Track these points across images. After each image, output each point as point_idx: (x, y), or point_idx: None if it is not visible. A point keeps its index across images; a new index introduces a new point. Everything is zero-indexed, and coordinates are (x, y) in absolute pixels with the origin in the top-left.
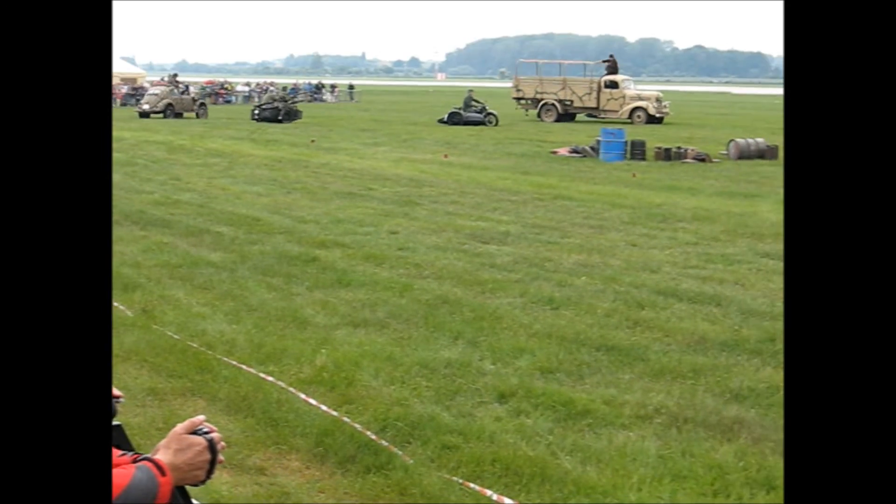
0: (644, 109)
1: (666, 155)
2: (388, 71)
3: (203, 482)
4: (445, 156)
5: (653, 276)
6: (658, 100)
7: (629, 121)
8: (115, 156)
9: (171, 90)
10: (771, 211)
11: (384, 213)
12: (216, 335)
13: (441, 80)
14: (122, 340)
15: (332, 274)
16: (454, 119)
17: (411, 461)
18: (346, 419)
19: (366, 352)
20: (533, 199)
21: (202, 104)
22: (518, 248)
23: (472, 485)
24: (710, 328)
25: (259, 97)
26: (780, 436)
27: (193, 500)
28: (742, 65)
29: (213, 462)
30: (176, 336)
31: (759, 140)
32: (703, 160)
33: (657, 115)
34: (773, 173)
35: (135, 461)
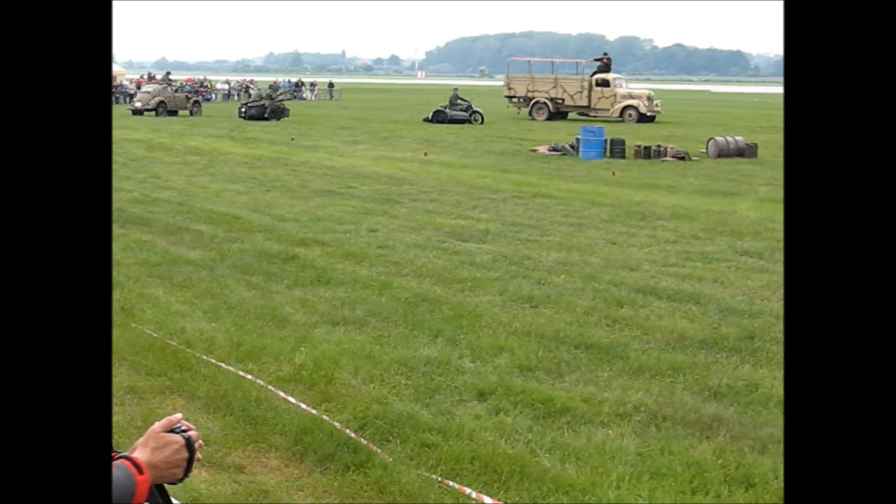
0: (635, 108)
1: (645, 153)
2: (368, 69)
3: (181, 480)
4: (425, 154)
5: (632, 274)
6: (649, 98)
7: (620, 119)
8: None
9: (164, 88)
10: (750, 209)
11: (364, 211)
12: (195, 333)
13: (421, 78)
14: None
15: (311, 272)
16: (439, 117)
17: (390, 459)
18: (325, 417)
19: (345, 350)
20: (512, 198)
21: (196, 102)
22: (497, 246)
23: (451, 483)
24: (689, 326)
25: (239, 95)
26: (758, 433)
27: (172, 499)
28: (721, 63)
29: (190, 460)
30: (155, 334)
31: (739, 138)
32: (682, 158)
33: (648, 114)
34: (753, 171)
35: (112, 459)
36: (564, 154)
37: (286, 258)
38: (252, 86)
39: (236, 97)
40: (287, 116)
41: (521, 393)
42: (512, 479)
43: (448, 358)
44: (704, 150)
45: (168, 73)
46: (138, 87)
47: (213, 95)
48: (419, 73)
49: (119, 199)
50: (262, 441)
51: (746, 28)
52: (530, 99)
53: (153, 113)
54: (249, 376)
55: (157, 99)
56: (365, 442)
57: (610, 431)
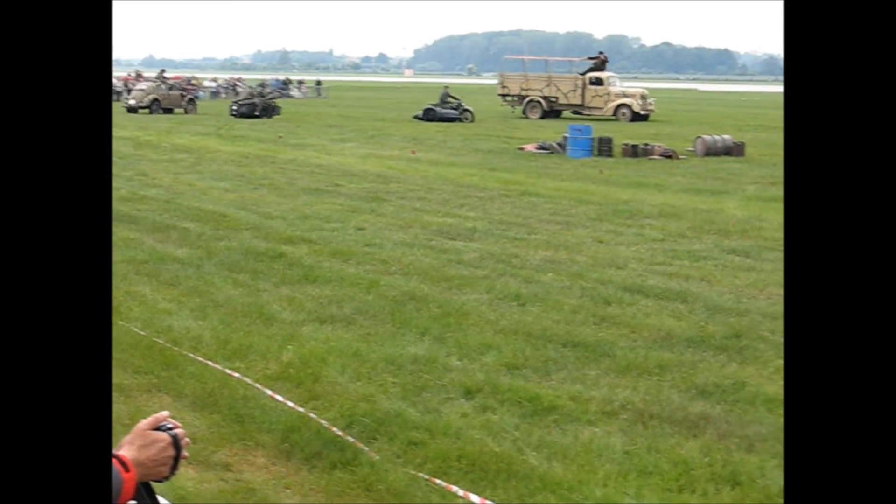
0: (629, 106)
1: (633, 151)
2: (355, 67)
3: (167, 478)
4: (413, 152)
5: (619, 273)
6: (643, 97)
7: (614, 118)
8: None
9: (158, 85)
10: (737, 207)
11: (351, 209)
12: (182, 331)
13: (409, 77)
14: None
15: (298, 270)
16: (429, 115)
17: (377, 457)
18: (312, 415)
19: (332, 348)
20: (500, 196)
21: (191, 99)
22: (485, 244)
23: (438, 481)
24: (676, 324)
25: (227, 93)
26: (745, 431)
27: (159, 497)
28: (709, 62)
29: (177, 458)
30: (142, 332)
31: (726, 137)
32: (669, 157)
33: (642, 112)
34: (740, 170)
35: None
36: (552, 152)
37: (273, 256)
38: (240, 84)
39: (224, 95)
40: (278, 114)
41: (508, 391)
42: (499, 477)
43: (435, 356)
44: (692, 149)
45: (162, 71)
46: (125, 85)
47: (201, 93)
48: (407, 71)
49: None
50: (248, 439)
51: (734, 27)
52: (524, 97)
53: (147, 111)
54: (236, 374)
55: (151, 97)
56: (352, 440)
57: (597, 430)
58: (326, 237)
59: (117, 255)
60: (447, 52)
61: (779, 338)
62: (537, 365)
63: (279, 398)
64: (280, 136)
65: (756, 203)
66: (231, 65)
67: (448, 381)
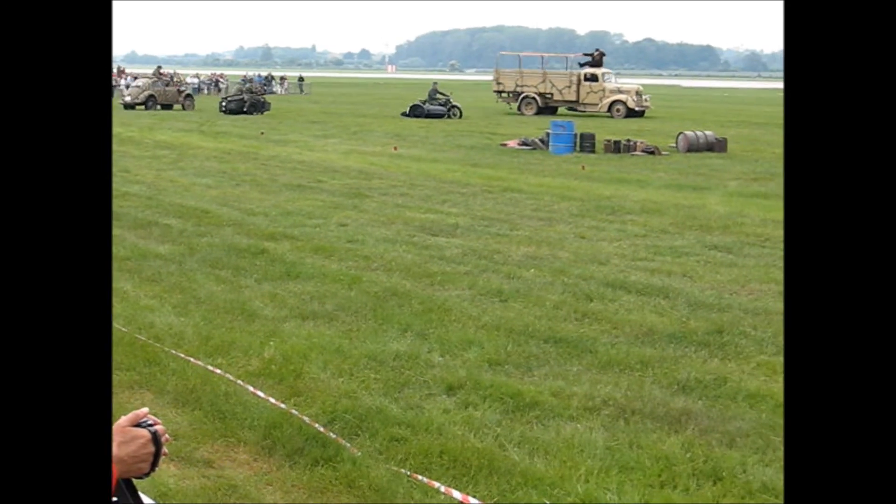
0: (623, 103)
1: (615, 147)
2: (338, 63)
3: (147, 475)
4: (395, 148)
5: (601, 269)
6: (638, 93)
7: (608, 114)
8: None
9: (154, 82)
10: (719, 203)
11: (333, 205)
12: (164, 328)
13: (391, 73)
14: None
15: (280, 266)
16: (416, 112)
17: (359, 453)
18: (294, 412)
19: (314, 344)
20: (482, 192)
21: (188, 95)
22: (467, 240)
23: (420, 477)
24: (658, 320)
25: (209, 89)
26: (727, 427)
27: (140, 493)
28: (691, 58)
29: (157, 454)
30: (124, 329)
31: (709, 133)
32: (652, 153)
33: (637, 109)
34: (722, 166)
35: None
36: (534, 148)
37: (255, 252)
38: (222, 80)
39: (206, 91)
40: (268, 110)
41: (490, 387)
42: (481, 472)
43: (417, 352)
44: (674, 145)
45: (159, 68)
46: (115, 81)
47: (184, 89)
48: (389, 67)
49: None
50: (230, 435)
51: (716, 23)
52: (519, 93)
53: (143, 107)
54: (218, 371)
55: (147, 93)
56: (334, 436)
57: (579, 425)
58: (308, 233)
59: None
60: (430, 49)
61: (761, 333)
62: (519, 361)
63: (261, 394)
64: (262, 133)
65: (738, 199)
66: (213, 61)
67: (430, 377)
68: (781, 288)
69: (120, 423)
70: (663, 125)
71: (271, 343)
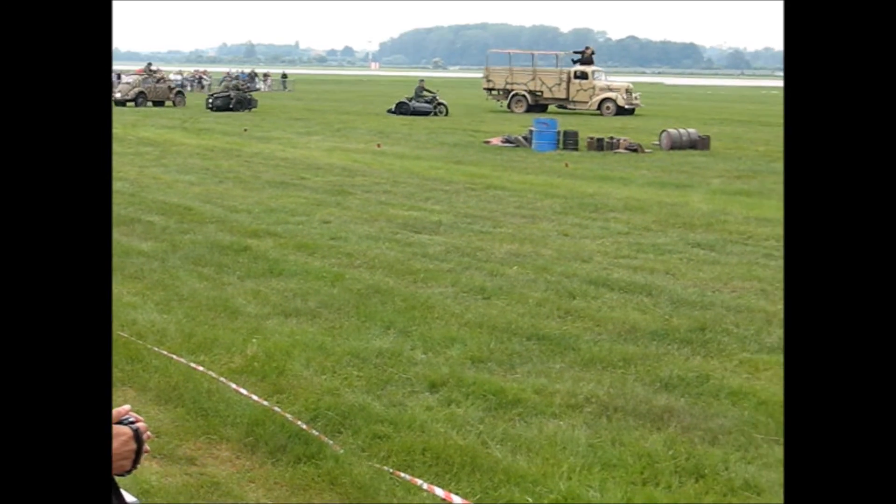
0: (613, 101)
1: (598, 145)
2: (321, 60)
3: (129, 472)
4: (378, 145)
5: (584, 266)
6: (628, 91)
7: (598, 112)
8: None
9: (145, 79)
10: (702, 201)
11: (316, 202)
12: (147, 325)
13: (375, 70)
14: None
15: (263, 263)
16: (402, 109)
17: (342, 451)
18: (276, 409)
19: (297, 341)
20: (465, 189)
21: (179, 92)
22: (450, 237)
23: (402, 474)
24: (640, 317)
25: (192, 86)
26: (709, 424)
27: (122, 491)
28: (675, 55)
29: (138, 451)
30: None
31: (692, 130)
32: (635, 150)
33: (627, 107)
34: (705, 164)
35: None
36: (517, 146)
37: (238, 249)
38: (205, 77)
39: (189, 88)
40: (255, 107)
41: (472, 384)
42: (463, 470)
43: (400, 349)
44: (657, 142)
45: (150, 65)
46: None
47: (174, 86)
48: (373, 64)
49: None
50: (213, 433)
51: (700, 21)
52: (509, 91)
53: (133, 104)
54: (201, 368)
55: (137, 90)
56: (316, 433)
57: (561, 423)
58: (292, 230)
59: None
60: (413, 46)
61: (743, 331)
62: (502, 358)
63: (244, 392)
64: (245, 130)
65: (721, 196)
66: (197, 58)
67: (413, 374)
68: (764, 286)
69: None
70: (646, 123)
71: (254, 340)
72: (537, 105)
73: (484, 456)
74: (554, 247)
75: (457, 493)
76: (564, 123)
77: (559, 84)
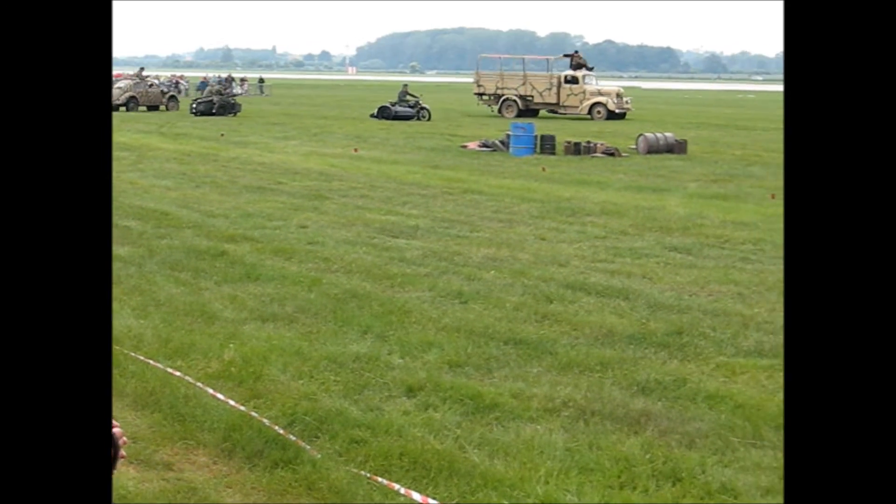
0: (604, 105)
1: (575, 149)
2: (298, 65)
3: None
4: (356, 150)
5: (561, 270)
6: (618, 95)
7: (588, 116)
8: None
9: (136, 83)
10: (679, 205)
11: (293, 207)
12: (123, 330)
13: (352, 74)
14: None
15: (240, 268)
16: (384, 113)
17: (319, 455)
18: (254, 414)
19: (274, 346)
20: (442, 193)
21: (172, 97)
22: (427, 242)
23: (380, 479)
24: (617, 321)
25: (169, 90)
26: (686, 428)
27: None
28: (652, 59)
29: (115, 457)
30: None
31: (668, 134)
32: (612, 154)
33: (617, 111)
34: (682, 167)
35: None
36: (495, 150)
37: (215, 254)
38: (182, 81)
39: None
40: (239, 111)
41: (450, 389)
42: (441, 474)
43: (377, 354)
44: (634, 146)
45: (141, 69)
46: None
47: (166, 90)
48: (350, 68)
49: None
50: (190, 438)
51: (676, 25)
52: (499, 96)
53: (124, 108)
54: (178, 373)
55: (128, 94)
56: (294, 438)
57: (538, 427)
58: (269, 235)
59: None
60: (390, 50)
61: (720, 334)
62: (479, 362)
63: (220, 397)
64: (222, 134)
65: (698, 200)
66: (173, 62)
67: (390, 378)
68: (741, 289)
69: None
70: (623, 127)
71: (231, 345)
72: (528, 110)
73: (461, 460)
74: (531, 251)
75: (434, 498)
76: (553, 128)
77: (549, 89)
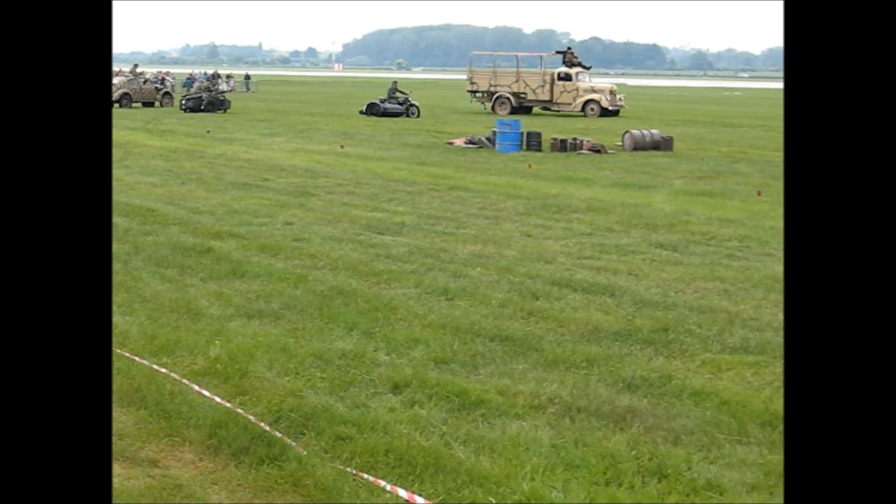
0: (597, 102)
1: (562, 146)
2: (284, 61)
3: None
4: (342, 146)
5: (547, 267)
6: (612, 92)
7: (582, 113)
8: None
9: (131, 80)
10: (664, 202)
11: (279, 203)
12: None
13: (338, 71)
14: None
15: (226, 265)
16: (373, 110)
17: (305, 452)
18: (239, 410)
19: (260, 343)
20: (429, 190)
21: (167, 93)
22: (413, 238)
23: (365, 476)
24: (603, 318)
25: (164, 87)
26: (672, 424)
27: None
28: (638, 57)
29: None
30: None
31: (654, 131)
32: (598, 151)
33: (611, 108)
34: (668, 164)
35: None
36: (481, 147)
37: (201, 251)
38: (168, 77)
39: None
40: (228, 107)
41: (435, 385)
42: (426, 471)
43: (363, 351)
44: (620, 143)
45: (136, 66)
46: None
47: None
48: (336, 65)
49: None
50: (176, 435)
51: (663, 22)
52: (493, 93)
53: (117, 105)
54: (163, 370)
55: (122, 91)
56: (279, 435)
57: (524, 423)
58: (255, 232)
59: None
60: (376, 47)
61: (705, 331)
62: (465, 359)
63: (206, 393)
64: (208, 131)
65: (683, 197)
66: (159, 59)
67: (376, 375)
68: (726, 286)
69: None
70: (610, 123)
71: (217, 342)
72: (521, 107)
73: (447, 457)
74: (517, 248)
75: (420, 494)
76: (540, 125)
77: (543, 86)
